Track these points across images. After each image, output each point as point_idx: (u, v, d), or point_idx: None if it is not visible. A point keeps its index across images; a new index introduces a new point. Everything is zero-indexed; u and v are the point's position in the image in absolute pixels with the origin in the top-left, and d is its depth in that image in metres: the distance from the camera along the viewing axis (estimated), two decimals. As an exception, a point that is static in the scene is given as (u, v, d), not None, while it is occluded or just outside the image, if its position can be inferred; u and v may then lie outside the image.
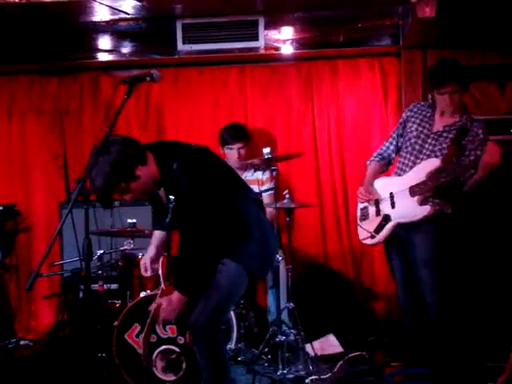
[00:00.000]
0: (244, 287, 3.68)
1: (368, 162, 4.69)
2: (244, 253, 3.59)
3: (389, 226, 4.38)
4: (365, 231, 4.52)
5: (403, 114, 4.58)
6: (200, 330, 3.51)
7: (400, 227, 4.37)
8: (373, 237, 4.45)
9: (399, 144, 4.57)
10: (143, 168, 3.42)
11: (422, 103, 4.56)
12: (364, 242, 4.58)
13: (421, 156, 4.35)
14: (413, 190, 4.28)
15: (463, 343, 4.38)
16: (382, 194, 4.47)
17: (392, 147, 4.61)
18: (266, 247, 3.72)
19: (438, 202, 4.23)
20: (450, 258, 4.36)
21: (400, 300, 4.58)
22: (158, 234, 3.92)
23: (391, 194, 4.40)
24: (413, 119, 4.47)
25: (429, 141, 4.35)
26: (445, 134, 4.31)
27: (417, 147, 4.38)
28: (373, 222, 4.48)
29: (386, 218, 4.40)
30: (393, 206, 4.39)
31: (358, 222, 4.60)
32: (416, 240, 4.30)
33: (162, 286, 3.67)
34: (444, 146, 4.30)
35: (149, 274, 3.86)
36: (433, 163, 4.25)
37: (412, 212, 4.28)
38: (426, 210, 4.24)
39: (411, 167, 4.37)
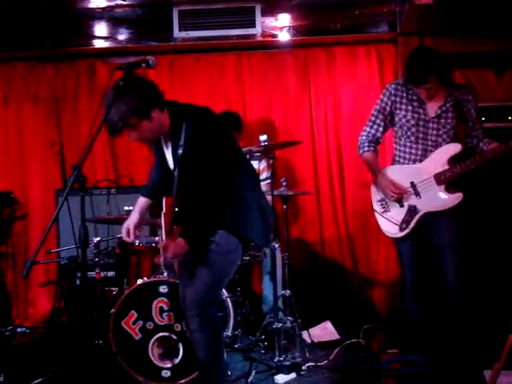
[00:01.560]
0: (237, 261, 3.72)
1: (361, 152, 4.65)
2: (241, 223, 3.61)
3: (417, 217, 4.37)
4: (391, 224, 4.47)
5: (384, 98, 4.51)
6: (196, 306, 3.52)
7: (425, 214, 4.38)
8: (402, 229, 4.42)
9: (387, 127, 4.56)
10: (159, 113, 3.49)
11: (401, 83, 4.48)
12: (391, 235, 4.54)
13: (428, 142, 4.36)
14: (439, 179, 4.28)
15: (469, 326, 4.41)
16: (401, 183, 4.45)
17: (381, 129, 4.57)
18: (263, 216, 3.74)
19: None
20: (469, 239, 4.42)
21: (406, 285, 4.60)
22: (142, 201, 3.93)
23: (412, 183, 4.39)
24: (401, 105, 4.44)
25: (430, 125, 4.35)
26: (444, 115, 4.33)
27: (420, 135, 4.37)
28: (398, 214, 4.45)
29: (413, 209, 4.38)
30: (418, 195, 4.37)
31: (380, 214, 4.55)
32: (441, 223, 4.32)
33: (163, 238, 3.70)
34: (448, 127, 4.33)
35: (131, 238, 3.84)
36: (453, 148, 4.28)
37: (442, 200, 4.29)
38: (458, 197, 4.26)
39: (423, 155, 4.37)
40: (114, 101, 3.28)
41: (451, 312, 4.42)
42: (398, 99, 4.45)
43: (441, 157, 4.31)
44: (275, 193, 4.86)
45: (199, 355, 3.61)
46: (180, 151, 3.49)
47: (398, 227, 4.44)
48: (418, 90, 4.31)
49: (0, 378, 4.38)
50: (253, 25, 5.55)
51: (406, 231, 4.42)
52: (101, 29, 5.94)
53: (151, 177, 4.02)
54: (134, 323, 4.38)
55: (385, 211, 4.52)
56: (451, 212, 4.32)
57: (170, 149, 3.64)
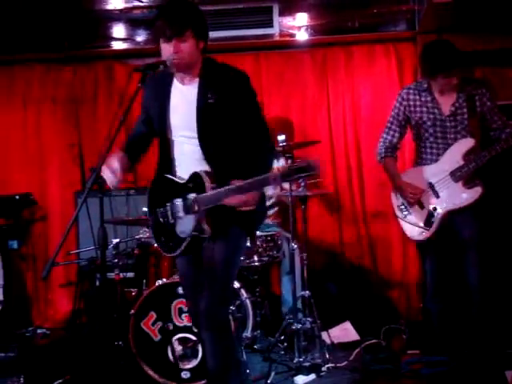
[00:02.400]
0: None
1: (379, 159, 4.65)
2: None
3: (439, 217, 4.35)
4: (415, 228, 4.46)
5: (397, 104, 4.53)
6: (215, 319, 3.36)
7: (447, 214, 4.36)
8: (425, 231, 4.40)
9: (403, 132, 4.57)
10: (200, 51, 3.38)
11: (413, 86, 4.53)
12: (415, 238, 4.52)
13: (448, 141, 4.36)
14: (455, 176, 4.28)
15: (491, 327, 4.38)
16: (419, 186, 4.43)
17: (397, 135, 4.59)
18: None
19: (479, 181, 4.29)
20: (491, 236, 4.41)
21: (427, 285, 4.58)
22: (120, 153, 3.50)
23: (430, 184, 4.38)
24: (415, 108, 4.44)
25: (447, 124, 4.35)
26: (459, 111, 4.35)
27: (439, 134, 4.37)
28: (419, 217, 4.43)
29: (434, 209, 4.36)
30: (437, 195, 4.36)
31: (402, 219, 4.54)
32: (463, 222, 4.31)
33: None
34: (465, 122, 4.36)
35: (116, 167, 3.32)
36: (466, 143, 4.28)
37: (461, 197, 4.28)
38: (477, 192, 4.26)
39: (443, 154, 4.36)
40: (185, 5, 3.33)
41: (473, 312, 4.39)
42: (411, 103, 4.46)
43: (455, 154, 4.32)
44: (294, 193, 4.84)
45: (211, 360, 3.43)
46: (211, 101, 3.31)
47: (421, 230, 4.42)
48: (445, 80, 4.28)
49: (20, 379, 4.41)
50: (270, 25, 5.54)
51: (430, 233, 4.40)
52: (119, 30, 5.95)
53: (132, 132, 3.75)
54: (153, 324, 4.39)
55: (406, 215, 4.50)
56: (473, 210, 4.30)
57: (190, 96, 3.37)
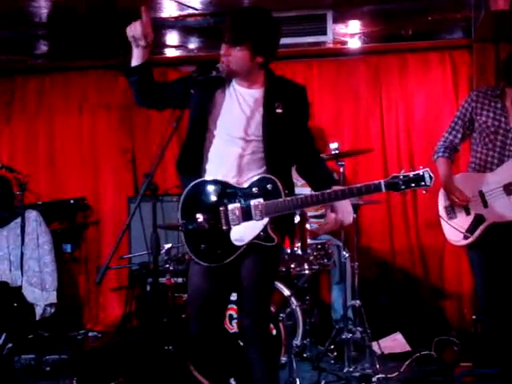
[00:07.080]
0: None
1: (435, 157, 4.58)
2: None
3: (483, 226, 4.28)
4: (456, 231, 4.40)
5: (465, 104, 4.45)
6: (264, 331, 3.38)
7: (493, 225, 4.28)
8: (466, 237, 4.34)
9: (466, 134, 4.49)
10: (258, 65, 3.24)
11: (484, 90, 4.44)
12: (455, 243, 4.47)
13: (506, 153, 4.27)
14: (508, 189, 4.20)
15: None
16: (469, 192, 4.37)
17: (460, 136, 4.50)
18: None
19: None
20: None
21: (479, 297, 4.51)
22: None
23: (481, 192, 4.31)
24: (482, 111, 4.36)
25: (510, 135, 4.28)
26: None
27: (498, 143, 4.30)
28: (464, 222, 4.36)
29: (479, 218, 4.29)
30: (485, 205, 4.29)
31: (446, 220, 4.48)
32: None
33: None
34: None
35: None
36: None
37: (510, 211, 4.20)
38: None
39: (498, 164, 4.29)
40: (250, 18, 3.22)
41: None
42: (479, 105, 4.38)
43: (511, 167, 4.22)
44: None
45: (260, 376, 3.37)
46: (279, 110, 3.22)
47: (462, 235, 4.36)
48: None
49: (73, 382, 4.47)
50: (324, 32, 5.50)
51: (470, 240, 4.33)
52: (172, 38, 6.00)
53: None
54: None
55: (451, 218, 4.44)
56: None
57: (253, 102, 3.27)
